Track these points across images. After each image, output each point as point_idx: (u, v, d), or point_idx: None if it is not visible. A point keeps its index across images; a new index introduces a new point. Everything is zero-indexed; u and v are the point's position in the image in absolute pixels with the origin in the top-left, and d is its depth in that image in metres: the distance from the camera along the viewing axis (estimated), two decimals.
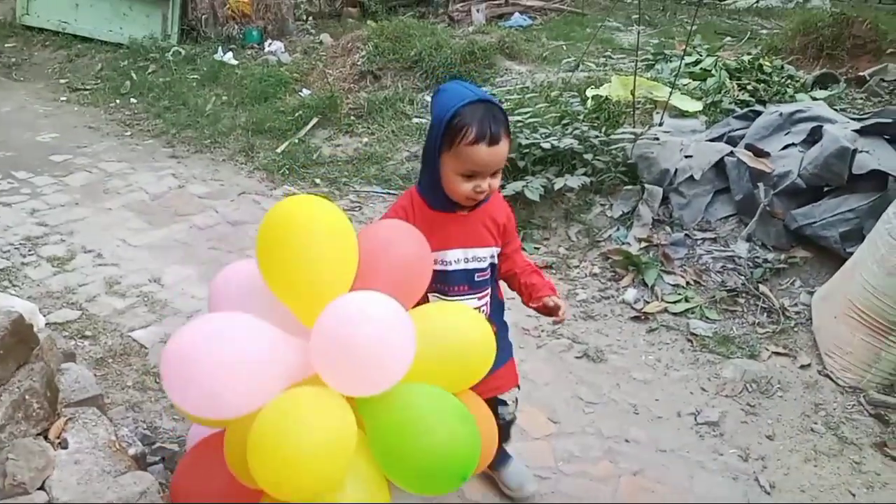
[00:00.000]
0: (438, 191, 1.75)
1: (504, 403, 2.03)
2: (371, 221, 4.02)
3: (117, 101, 5.95)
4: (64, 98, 6.10)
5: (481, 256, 1.84)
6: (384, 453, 1.52)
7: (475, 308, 1.85)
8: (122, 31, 7.08)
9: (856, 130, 3.29)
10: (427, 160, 1.76)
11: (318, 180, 4.52)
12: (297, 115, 5.26)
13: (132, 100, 5.95)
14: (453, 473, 1.51)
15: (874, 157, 3.11)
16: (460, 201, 1.75)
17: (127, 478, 1.42)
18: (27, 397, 1.57)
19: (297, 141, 5.00)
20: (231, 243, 3.72)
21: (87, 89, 6.24)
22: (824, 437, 2.51)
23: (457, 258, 1.81)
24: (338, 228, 1.54)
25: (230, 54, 6.62)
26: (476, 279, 1.85)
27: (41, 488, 1.47)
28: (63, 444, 1.60)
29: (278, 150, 4.89)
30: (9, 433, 1.51)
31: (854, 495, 2.28)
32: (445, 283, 1.82)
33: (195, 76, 6.26)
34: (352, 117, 5.24)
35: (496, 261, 1.89)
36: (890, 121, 3.22)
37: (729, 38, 7.09)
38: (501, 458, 2.15)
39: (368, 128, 5.11)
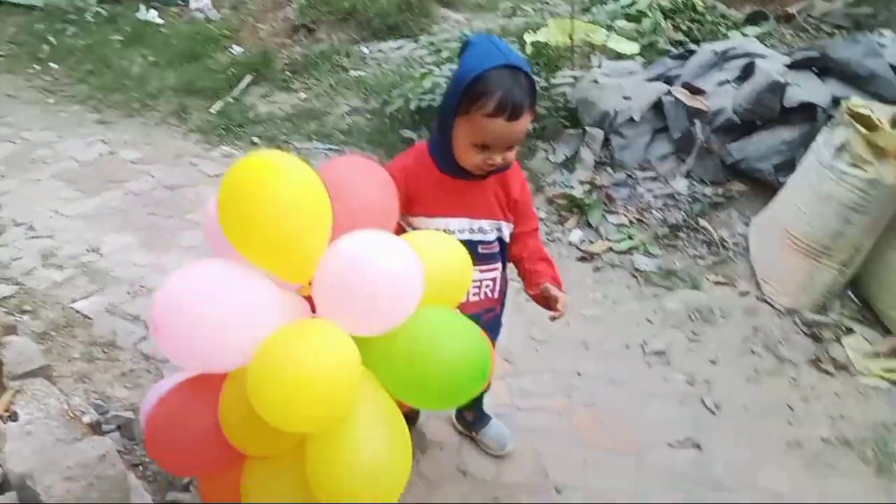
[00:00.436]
0: (448, 154, 1.65)
1: None
2: None
3: (36, 66, 5.62)
4: None
5: (487, 228, 1.76)
6: (397, 377, 1.47)
7: (476, 281, 1.77)
8: None
9: (786, 65, 3.39)
10: (441, 120, 1.64)
11: (256, 139, 4.40)
12: (229, 73, 5.09)
13: (52, 65, 5.63)
14: (473, 379, 1.47)
15: (804, 89, 3.21)
16: (469, 169, 1.65)
17: (84, 444, 1.39)
18: None
19: (231, 100, 4.85)
20: (170, 208, 3.62)
21: (1, 55, 5.87)
22: (764, 358, 2.64)
23: (461, 227, 1.73)
24: (304, 185, 1.38)
25: (154, 13, 6.31)
26: (480, 251, 1.75)
27: None
28: (13, 417, 1.56)
29: (212, 110, 4.73)
30: None
31: (792, 409, 2.42)
32: None
33: (118, 37, 5.95)
34: (287, 73, 5.10)
35: (505, 236, 1.80)
36: (818, 55, 3.32)
37: None
38: (481, 419, 2.22)
39: (305, 83, 4.99)
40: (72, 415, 1.58)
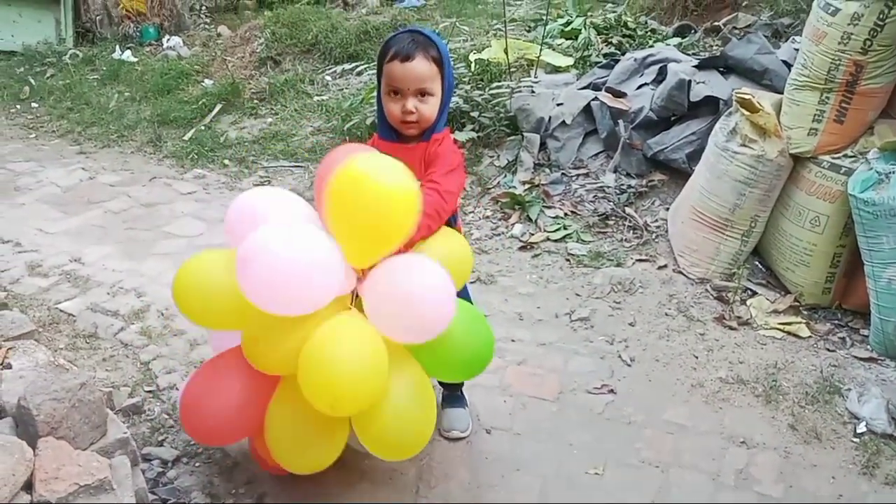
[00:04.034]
0: (384, 120, 2.02)
1: None
2: None
3: (18, 106, 5.97)
4: None
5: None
6: (430, 359, 1.90)
7: None
8: (13, 38, 7.02)
9: (694, 66, 3.79)
10: (377, 93, 2.03)
11: (226, 161, 4.75)
12: (200, 103, 5.45)
13: (33, 104, 5.98)
14: (472, 371, 2.09)
15: (709, 86, 3.60)
16: (395, 124, 1.98)
17: (68, 376, 1.69)
18: None
19: (203, 127, 5.21)
20: (147, 222, 3.94)
21: None
22: (676, 319, 2.98)
23: None
24: (404, 197, 1.68)
25: (129, 53, 6.70)
26: None
27: None
28: (7, 367, 1.86)
29: (185, 138, 5.08)
30: None
31: (697, 357, 2.75)
32: None
33: (95, 76, 6.33)
34: (255, 101, 5.47)
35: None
36: (718, 55, 3.73)
37: (611, 4, 7.61)
38: (453, 400, 2.39)
39: (272, 109, 5.36)
40: (58, 363, 1.88)
